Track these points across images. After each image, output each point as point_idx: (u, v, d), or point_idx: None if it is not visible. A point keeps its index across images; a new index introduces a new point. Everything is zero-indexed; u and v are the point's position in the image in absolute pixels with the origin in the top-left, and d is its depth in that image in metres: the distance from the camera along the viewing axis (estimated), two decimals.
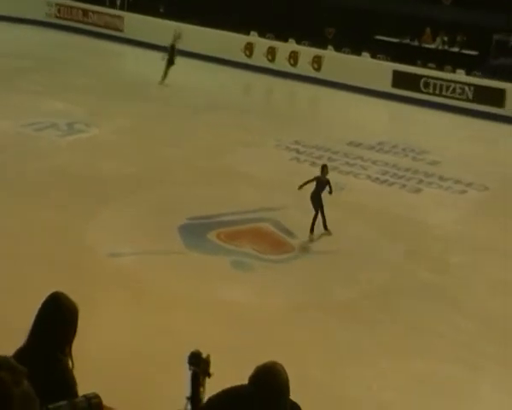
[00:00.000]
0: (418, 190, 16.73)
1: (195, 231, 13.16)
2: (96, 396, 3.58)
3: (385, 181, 17.13)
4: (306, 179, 13.50)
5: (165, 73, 23.94)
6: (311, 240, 13.22)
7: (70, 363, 4.25)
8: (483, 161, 19.07)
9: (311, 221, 13.27)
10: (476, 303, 11.49)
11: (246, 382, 8.33)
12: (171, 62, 23.97)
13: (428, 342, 10.12)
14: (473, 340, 10.32)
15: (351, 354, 9.60)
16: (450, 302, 11.38)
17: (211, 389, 4.58)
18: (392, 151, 19.43)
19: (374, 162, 18.35)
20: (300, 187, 13.43)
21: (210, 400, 3.80)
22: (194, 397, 4.68)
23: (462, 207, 15.98)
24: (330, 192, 13.44)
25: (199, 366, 4.71)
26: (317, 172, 13.87)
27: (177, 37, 24.45)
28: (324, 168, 13.74)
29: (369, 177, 17.34)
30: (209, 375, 4.70)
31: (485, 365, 9.81)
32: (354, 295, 11.49)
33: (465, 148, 20.30)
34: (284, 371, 3.61)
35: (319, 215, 13.32)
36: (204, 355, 4.73)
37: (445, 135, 21.77)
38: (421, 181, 17.25)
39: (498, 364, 9.85)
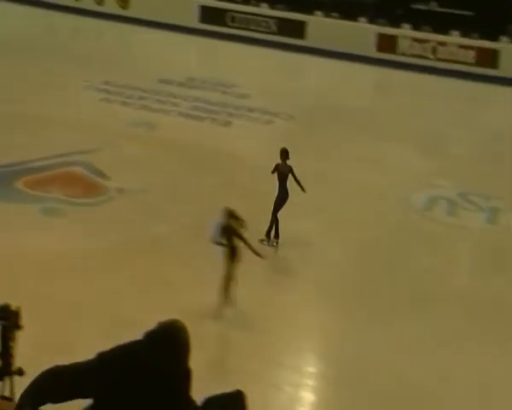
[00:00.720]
0: (228, 123, 17.15)
1: (0, 181, 12.64)
2: None
3: (196, 116, 17.35)
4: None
5: None
6: (274, 244, 11.25)
7: None
8: (288, 91, 19.83)
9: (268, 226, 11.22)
10: (285, 226, 12.02)
11: (63, 332, 8.33)
12: None
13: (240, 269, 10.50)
14: (279, 262, 10.92)
15: (164, 287, 9.72)
16: (260, 228, 11.85)
17: (24, 341, 4.56)
18: (202, 86, 19.67)
19: (184, 98, 18.51)
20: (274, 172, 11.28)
21: (101, 354, 3.39)
22: (5, 352, 4.58)
23: (270, 136, 16.56)
24: (300, 187, 11.09)
25: (8, 319, 4.58)
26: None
27: None
28: (284, 153, 11.18)
29: (180, 113, 17.50)
30: (19, 327, 4.60)
31: (294, 285, 10.46)
32: (169, 230, 11.62)
33: (271, 79, 20.96)
34: (186, 330, 3.49)
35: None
36: (13, 308, 4.60)
37: (253, 68, 22.29)
38: (231, 114, 17.66)
39: (303, 282, 10.54)
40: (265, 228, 11.26)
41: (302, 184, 11.14)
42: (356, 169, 14.83)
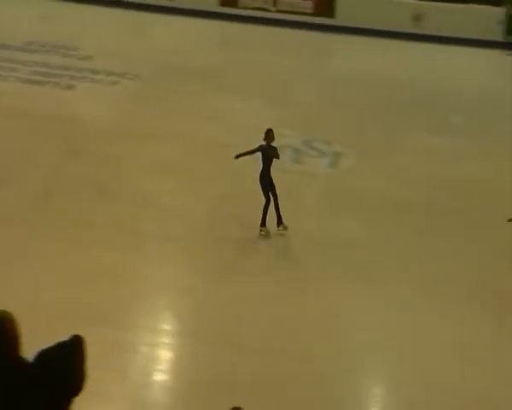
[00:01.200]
0: (71, 87, 16.68)
1: None
2: None
3: (36, 81, 16.75)
4: (246, 150, 10.62)
5: None
6: (267, 233, 10.72)
7: None
8: (132, 51, 19.40)
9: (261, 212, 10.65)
10: (134, 188, 11.98)
11: None
12: None
13: (89, 233, 10.39)
14: (133, 223, 10.88)
15: (16, 258, 9.48)
16: (109, 191, 11.74)
17: None
18: (41, 50, 18.97)
19: (23, 63, 17.77)
20: (237, 157, 10.68)
21: None
22: None
23: (116, 98, 16.33)
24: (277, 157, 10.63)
25: None
26: None
27: None
28: (269, 133, 10.60)
29: (18, 78, 16.84)
30: None
31: (141, 244, 10.40)
32: (16, 199, 11.27)
33: (115, 40, 20.47)
34: (14, 320, 3.32)
35: (272, 202, 10.70)
36: None
37: (95, 29, 21.56)
38: (73, 77, 17.18)
39: (156, 240, 10.54)
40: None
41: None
42: (204, 125, 14.90)
